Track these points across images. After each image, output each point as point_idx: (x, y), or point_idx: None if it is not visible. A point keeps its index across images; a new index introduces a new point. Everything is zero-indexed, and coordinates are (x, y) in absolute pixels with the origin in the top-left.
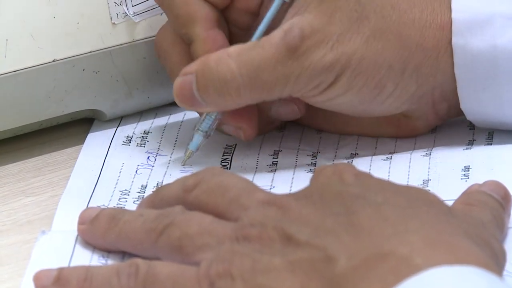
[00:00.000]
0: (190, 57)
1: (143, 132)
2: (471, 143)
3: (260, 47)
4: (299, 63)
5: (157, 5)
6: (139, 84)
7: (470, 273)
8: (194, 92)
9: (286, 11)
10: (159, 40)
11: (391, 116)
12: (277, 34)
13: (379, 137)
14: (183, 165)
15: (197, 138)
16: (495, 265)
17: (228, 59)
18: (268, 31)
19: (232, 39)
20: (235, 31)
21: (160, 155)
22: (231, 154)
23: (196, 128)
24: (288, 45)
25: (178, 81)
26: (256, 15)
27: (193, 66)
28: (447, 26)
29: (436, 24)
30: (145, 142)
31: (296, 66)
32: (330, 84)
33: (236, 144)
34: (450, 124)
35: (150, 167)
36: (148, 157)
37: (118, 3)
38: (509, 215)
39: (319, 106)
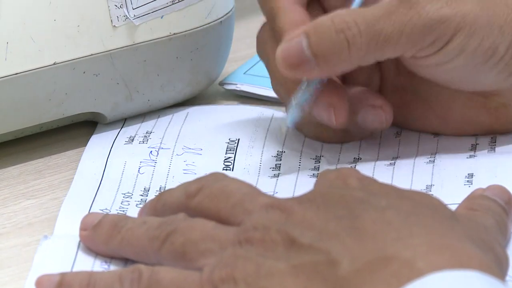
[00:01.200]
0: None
1: (145, 132)
2: (474, 147)
3: (373, 5)
4: (415, 11)
5: (157, 8)
6: (139, 87)
7: (472, 277)
8: (304, 53)
9: None
10: (258, 36)
11: (488, 104)
12: None
13: (478, 131)
14: (283, 140)
15: (294, 112)
16: (498, 269)
17: (343, 13)
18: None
19: None
20: (330, 9)
21: (162, 148)
22: (234, 152)
23: (292, 102)
24: None
25: (283, 46)
26: None
27: (300, 29)
28: None
29: None
30: (147, 140)
31: (412, 14)
32: (445, 44)
33: (239, 139)
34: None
35: (153, 163)
36: (151, 151)
37: (118, 5)
38: None
39: (426, 75)
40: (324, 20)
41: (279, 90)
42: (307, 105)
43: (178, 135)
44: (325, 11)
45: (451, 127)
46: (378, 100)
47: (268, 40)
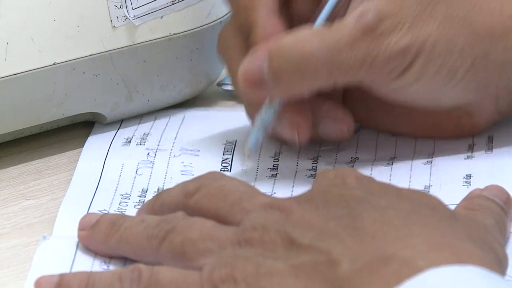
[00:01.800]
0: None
1: (142, 134)
2: (471, 147)
3: (336, 29)
4: (376, 44)
5: (157, 8)
6: (139, 87)
7: (472, 273)
8: (264, 74)
9: None
10: (220, 35)
11: (452, 113)
12: (351, 16)
13: (436, 138)
14: (244, 166)
15: (256, 133)
16: (498, 268)
17: (306, 37)
18: (331, 16)
19: (293, 27)
20: (297, 19)
21: (160, 150)
22: (231, 153)
23: (254, 124)
24: (365, 26)
25: (245, 63)
26: (319, 1)
27: (263, 46)
28: None
29: (504, 13)
30: (145, 141)
31: (373, 47)
32: (405, 69)
33: (236, 141)
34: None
35: (151, 165)
36: (148, 153)
37: (118, 6)
38: (511, 219)
39: (388, 98)
40: (286, 43)
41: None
42: (270, 125)
43: (176, 137)
44: (291, 15)
45: (412, 131)
46: (339, 112)
47: (232, 42)
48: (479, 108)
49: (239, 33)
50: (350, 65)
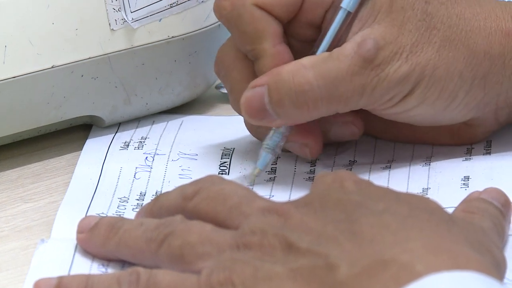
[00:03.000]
0: (253, 75)
1: (140, 138)
2: (469, 151)
3: (335, 59)
4: (375, 74)
5: (156, 11)
6: (137, 91)
7: (470, 278)
8: (265, 105)
9: (351, 23)
10: (221, 56)
11: (452, 126)
12: (349, 46)
13: (435, 145)
14: (251, 184)
15: (265, 156)
16: (496, 272)
17: (304, 70)
18: (332, 43)
19: (294, 53)
20: (296, 44)
21: (158, 154)
22: (229, 157)
23: (263, 146)
24: (364, 56)
25: (247, 95)
26: (319, 28)
27: (263, 79)
28: None
29: (501, 31)
30: (142, 146)
31: (373, 77)
32: (405, 96)
33: (234, 148)
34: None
35: (149, 169)
36: (146, 157)
37: (117, 9)
38: (509, 222)
39: (389, 118)
40: (285, 75)
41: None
42: (278, 148)
43: (173, 142)
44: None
45: (412, 140)
46: (349, 116)
47: (235, 65)
48: (479, 121)
49: (242, 57)
50: (350, 96)
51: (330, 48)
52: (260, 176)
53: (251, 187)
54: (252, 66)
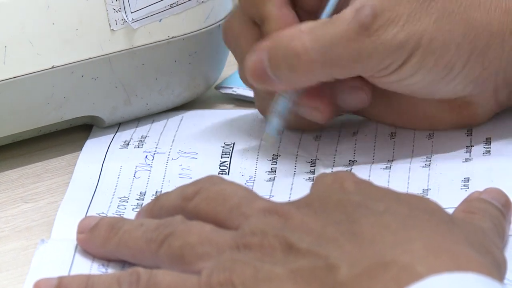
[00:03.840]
0: (261, 40)
1: (140, 137)
2: (469, 149)
3: (332, 24)
4: (371, 40)
5: (156, 12)
6: (137, 91)
7: (471, 280)
8: (266, 69)
9: None
10: (228, 25)
11: (453, 102)
12: (348, 12)
13: (440, 127)
14: (269, 144)
15: (273, 121)
16: (497, 272)
17: (301, 34)
18: (335, 11)
19: (301, 19)
20: (302, 14)
21: (158, 153)
22: (229, 156)
23: (271, 111)
24: (360, 22)
25: (250, 59)
26: None
27: (265, 43)
28: None
29: (500, 9)
30: (142, 144)
31: (368, 43)
32: (401, 64)
33: (234, 143)
34: (447, 130)
35: (149, 168)
36: (146, 156)
37: (117, 9)
38: (509, 222)
39: (387, 88)
40: (282, 40)
41: (246, 81)
42: (288, 113)
43: (173, 139)
44: (298, 10)
45: (409, 121)
46: (356, 81)
47: (243, 32)
48: (479, 99)
49: (249, 23)
50: (345, 61)
51: (332, 15)
52: (260, 176)
53: (251, 186)
54: (259, 33)
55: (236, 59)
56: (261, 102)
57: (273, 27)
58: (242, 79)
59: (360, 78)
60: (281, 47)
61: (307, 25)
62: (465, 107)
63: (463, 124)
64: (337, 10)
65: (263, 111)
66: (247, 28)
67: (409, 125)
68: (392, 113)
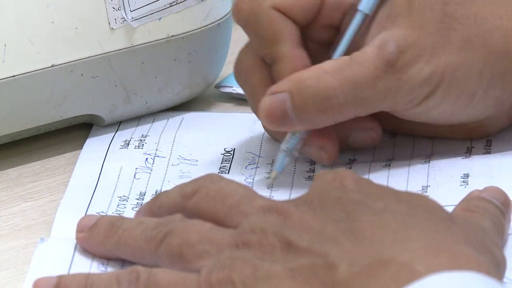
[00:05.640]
0: (271, 79)
1: (141, 136)
2: (469, 150)
3: (357, 63)
4: (398, 77)
5: (155, 10)
6: (137, 89)
7: (470, 279)
8: (287, 111)
9: (369, 26)
10: (240, 61)
11: (465, 125)
12: (370, 49)
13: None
14: (270, 187)
15: (282, 158)
16: (496, 271)
17: (327, 75)
18: (349, 47)
19: (311, 56)
20: (314, 47)
21: (158, 156)
22: (230, 162)
23: (281, 149)
24: (386, 60)
25: (267, 101)
26: (337, 30)
27: (285, 84)
28: None
29: None
30: (143, 144)
31: (396, 81)
32: (426, 97)
33: (234, 150)
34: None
35: (149, 171)
36: (146, 158)
37: (116, 8)
38: (509, 221)
39: (408, 119)
40: (308, 80)
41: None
42: (296, 150)
43: (174, 142)
44: (308, 41)
45: (427, 134)
46: (366, 121)
47: (255, 71)
48: (491, 120)
49: (261, 62)
50: (374, 100)
51: (347, 52)
52: (260, 175)
53: (250, 185)
54: (269, 71)
55: (246, 95)
56: (271, 131)
57: (287, 68)
58: (254, 112)
59: (371, 117)
60: (307, 89)
61: (330, 65)
62: (476, 129)
63: (474, 138)
64: (351, 45)
65: (274, 137)
66: (258, 66)
67: (424, 136)
68: (407, 131)
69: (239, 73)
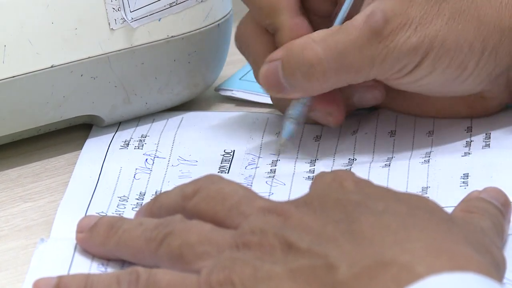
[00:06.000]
0: (274, 47)
1: (140, 136)
2: (468, 144)
3: (344, 31)
4: (384, 45)
5: (155, 11)
6: (137, 90)
7: (470, 280)
8: (280, 78)
9: None
10: (241, 31)
11: (466, 98)
12: (359, 18)
13: (453, 118)
14: (278, 154)
15: (288, 126)
16: (496, 272)
17: (313, 44)
18: (348, 17)
19: (313, 28)
20: (315, 19)
21: (158, 157)
22: (229, 163)
23: (286, 116)
24: (372, 28)
25: (264, 69)
26: (335, 2)
27: (278, 53)
28: None
29: (511, 5)
30: (143, 145)
31: (381, 48)
32: (415, 67)
33: (234, 151)
34: (446, 126)
35: (149, 171)
36: (146, 159)
37: (116, 8)
38: (509, 222)
39: (401, 88)
40: (296, 49)
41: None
42: (302, 117)
43: (173, 142)
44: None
45: (422, 112)
46: (370, 80)
47: (256, 39)
48: (492, 93)
49: (262, 30)
50: (359, 67)
51: (345, 22)
52: (260, 175)
53: (250, 185)
54: (272, 38)
55: (250, 63)
56: (276, 102)
57: (287, 37)
58: (257, 81)
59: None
60: (294, 56)
61: (319, 34)
62: (478, 101)
63: (477, 115)
64: (350, 16)
65: (280, 109)
66: (259, 35)
67: (422, 115)
68: (405, 104)
69: (241, 43)
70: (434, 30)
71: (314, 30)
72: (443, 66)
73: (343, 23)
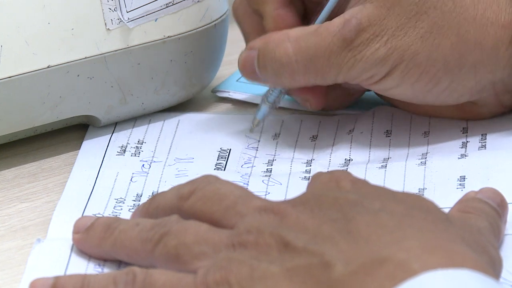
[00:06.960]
0: (263, 28)
1: (137, 142)
2: (464, 145)
3: (318, 35)
4: (352, 55)
5: (151, 11)
6: (133, 90)
7: (465, 276)
8: (255, 68)
9: None
10: (235, 8)
11: (458, 104)
12: (336, 23)
13: (450, 118)
14: (251, 132)
15: (264, 108)
16: (492, 271)
17: (287, 42)
18: (334, 13)
19: (309, 14)
20: (311, 6)
21: (154, 162)
22: (226, 159)
23: (263, 99)
24: (343, 36)
25: (242, 55)
26: None
27: (257, 42)
28: (510, 25)
29: (497, 24)
30: (139, 152)
31: (349, 57)
32: (383, 77)
33: (230, 149)
34: (442, 127)
35: (145, 174)
36: (143, 165)
37: (112, 9)
38: (505, 222)
39: (379, 93)
40: (271, 44)
41: None
42: (277, 102)
43: (170, 148)
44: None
45: (423, 111)
46: None
47: (244, 16)
48: (481, 101)
49: (251, 12)
50: (327, 72)
51: (329, 19)
52: (256, 174)
53: (246, 185)
54: (260, 21)
55: (244, 39)
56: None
57: (269, 27)
58: None
59: None
60: (269, 52)
61: (296, 33)
62: (469, 107)
63: (471, 119)
64: (332, 15)
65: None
66: (250, 15)
67: (419, 113)
68: (407, 105)
69: (235, 16)
70: (406, 43)
71: (310, 18)
72: (413, 79)
73: (324, 21)
